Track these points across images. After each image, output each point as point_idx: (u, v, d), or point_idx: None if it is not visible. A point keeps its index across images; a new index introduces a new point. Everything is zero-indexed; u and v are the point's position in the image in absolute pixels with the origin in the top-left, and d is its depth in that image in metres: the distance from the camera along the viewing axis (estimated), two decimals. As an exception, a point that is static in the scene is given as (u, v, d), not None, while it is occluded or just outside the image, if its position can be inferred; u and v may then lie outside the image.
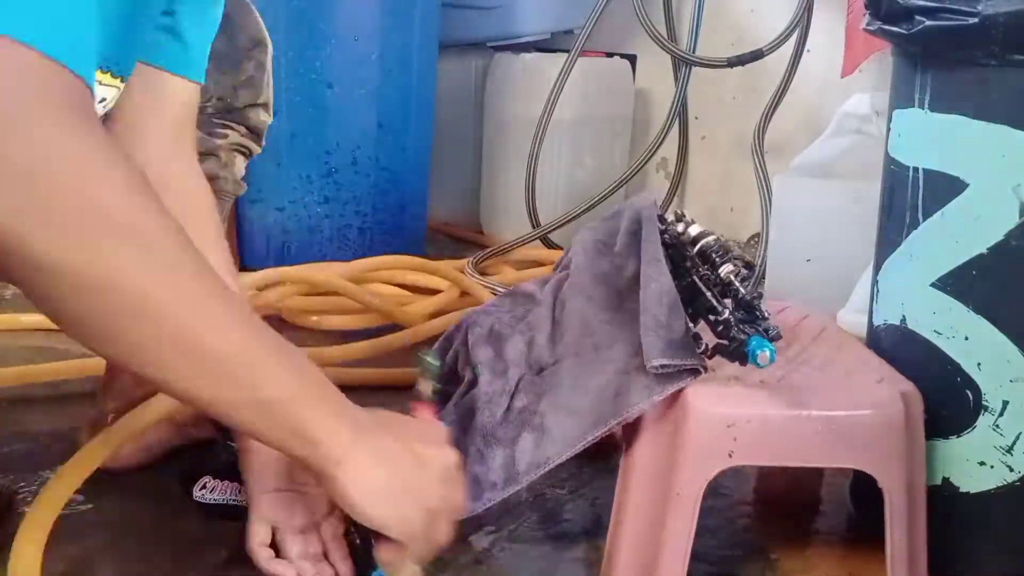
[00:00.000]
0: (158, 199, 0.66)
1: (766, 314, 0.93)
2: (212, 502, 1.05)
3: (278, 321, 1.78)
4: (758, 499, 1.26)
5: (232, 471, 1.02)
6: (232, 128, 1.21)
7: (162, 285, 0.65)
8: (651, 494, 0.99)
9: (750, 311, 0.94)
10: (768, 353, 0.90)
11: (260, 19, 1.22)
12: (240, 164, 1.27)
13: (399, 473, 0.78)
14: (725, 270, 0.95)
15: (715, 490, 1.24)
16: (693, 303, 1.00)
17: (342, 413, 0.76)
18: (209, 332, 0.67)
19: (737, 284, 0.94)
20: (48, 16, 0.59)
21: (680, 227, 1.03)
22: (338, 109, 2.04)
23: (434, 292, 1.92)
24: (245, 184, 1.29)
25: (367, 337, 1.69)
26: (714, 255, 0.97)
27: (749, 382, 1.01)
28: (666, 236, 1.04)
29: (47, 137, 0.58)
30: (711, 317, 0.97)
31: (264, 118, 1.26)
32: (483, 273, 2.11)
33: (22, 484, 1.18)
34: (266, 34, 1.23)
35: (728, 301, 0.95)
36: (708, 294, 0.97)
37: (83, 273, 0.61)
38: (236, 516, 1.03)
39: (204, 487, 1.06)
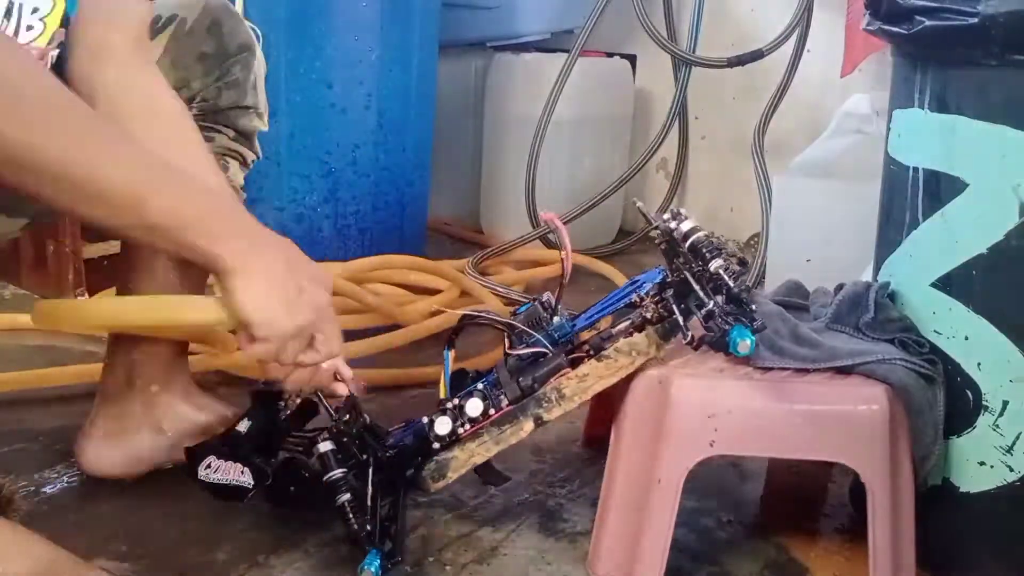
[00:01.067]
0: (52, 76, 0.83)
1: (754, 307, 0.95)
2: (216, 482, 1.06)
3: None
4: (763, 499, 1.26)
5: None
6: (218, 131, 1.22)
7: (56, 135, 0.79)
8: (635, 481, 1.02)
9: (738, 304, 0.95)
10: (748, 342, 0.92)
11: (249, 28, 1.23)
12: (236, 170, 1.26)
13: (279, 291, 0.92)
14: (715, 265, 0.96)
15: (715, 490, 1.25)
16: (685, 297, 1.01)
17: (236, 234, 0.90)
18: (94, 170, 0.81)
19: (726, 278, 0.95)
20: None
21: (673, 223, 1.04)
22: (338, 109, 2.04)
23: (434, 292, 1.92)
24: (243, 192, 1.29)
25: (368, 336, 1.69)
26: (704, 251, 0.98)
27: (734, 374, 1.03)
28: (658, 232, 1.05)
29: None
30: (700, 310, 0.98)
31: (256, 123, 1.25)
32: (483, 273, 2.11)
33: (22, 484, 1.18)
34: (256, 42, 1.23)
35: (719, 296, 0.96)
36: (698, 288, 0.98)
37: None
38: (239, 496, 1.04)
39: (208, 467, 1.07)
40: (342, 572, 1.05)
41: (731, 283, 0.95)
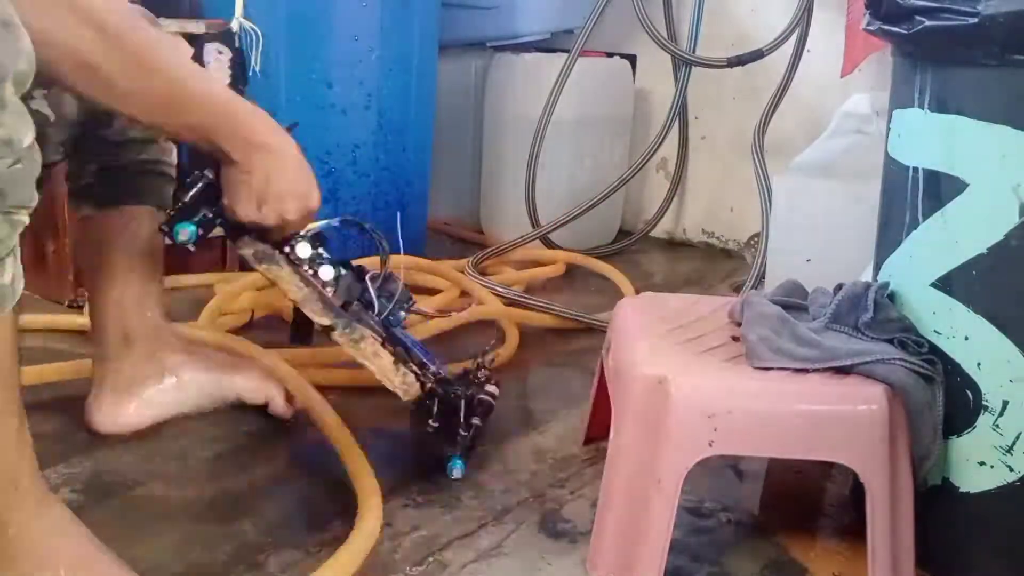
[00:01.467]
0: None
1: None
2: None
3: (278, 321, 1.78)
4: (762, 499, 1.26)
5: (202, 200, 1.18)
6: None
7: (109, 52, 0.93)
8: (634, 481, 1.02)
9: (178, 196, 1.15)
10: (189, 232, 1.15)
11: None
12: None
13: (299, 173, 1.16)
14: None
15: (715, 490, 1.25)
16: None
17: (256, 131, 1.11)
18: (151, 75, 0.99)
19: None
20: None
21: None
22: (338, 109, 2.04)
23: (434, 292, 1.92)
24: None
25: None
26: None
27: (734, 375, 1.04)
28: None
29: None
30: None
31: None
32: (483, 273, 2.11)
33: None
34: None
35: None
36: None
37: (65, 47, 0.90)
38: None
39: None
40: (342, 572, 1.05)
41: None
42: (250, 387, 1.38)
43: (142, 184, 1.31)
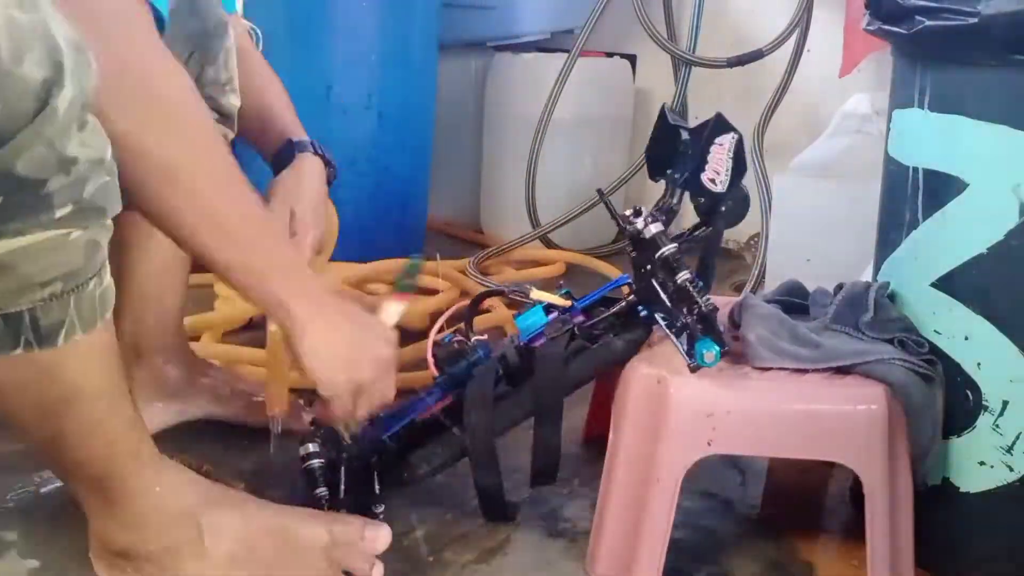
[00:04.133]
0: (200, 99, 0.92)
1: (721, 328, 1.00)
2: None
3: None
4: (763, 498, 1.26)
5: None
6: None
7: (195, 162, 0.89)
8: (633, 479, 1.02)
9: (707, 323, 0.99)
10: (714, 353, 0.97)
11: (220, 3, 1.25)
12: None
13: (342, 347, 0.99)
14: (681, 277, 1.02)
15: (715, 490, 1.25)
16: (650, 306, 1.08)
17: (307, 291, 0.97)
18: (225, 206, 0.91)
19: (695, 295, 1.01)
20: None
21: (639, 223, 1.08)
22: (338, 109, 2.04)
23: (434, 292, 1.92)
24: None
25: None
26: (673, 263, 1.04)
27: (733, 374, 1.04)
28: (627, 231, 1.10)
29: (141, 43, 0.86)
30: (664, 320, 1.05)
31: (234, 101, 1.27)
32: (483, 273, 2.11)
33: (20, 484, 1.18)
34: (226, 16, 1.25)
35: (683, 307, 1.02)
36: (665, 300, 1.04)
37: (148, 151, 0.86)
38: None
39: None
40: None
41: (703, 305, 1.00)
42: (256, 418, 1.30)
43: None
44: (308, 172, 1.26)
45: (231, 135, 1.30)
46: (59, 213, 0.75)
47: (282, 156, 1.28)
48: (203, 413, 1.34)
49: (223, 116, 1.26)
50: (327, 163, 1.30)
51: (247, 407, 1.35)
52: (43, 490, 1.19)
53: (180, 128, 0.88)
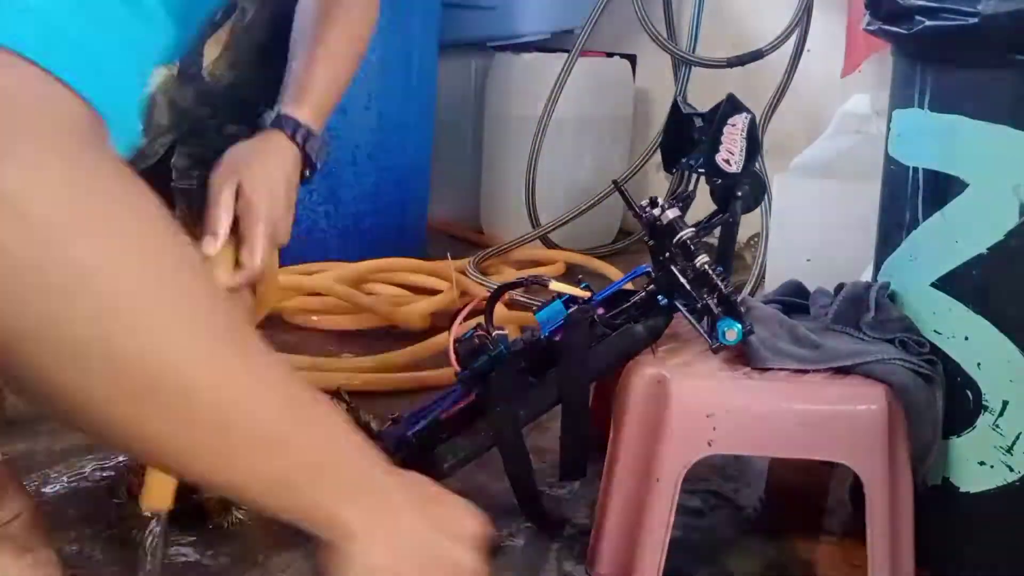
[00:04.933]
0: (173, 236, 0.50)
1: (743, 309, 1.01)
2: None
3: (279, 320, 1.78)
4: (763, 499, 1.26)
5: None
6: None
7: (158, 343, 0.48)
8: (634, 480, 1.03)
9: (729, 306, 1.01)
10: (736, 331, 0.99)
11: None
12: None
13: (410, 563, 0.65)
14: (700, 260, 1.03)
15: (716, 489, 1.25)
16: (671, 293, 1.07)
17: (367, 488, 0.61)
18: (235, 403, 0.51)
19: (716, 278, 1.02)
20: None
21: (656, 211, 1.08)
22: (338, 109, 2.03)
23: (434, 292, 1.92)
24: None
25: (367, 336, 1.70)
26: (691, 247, 1.05)
27: (733, 374, 1.04)
28: (644, 219, 1.11)
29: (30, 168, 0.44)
30: (685, 306, 1.05)
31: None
32: (483, 273, 2.11)
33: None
34: None
35: (703, 291, 1.03)
36: (686, 285, 1.04)
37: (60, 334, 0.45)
38: None
39: None
40: (342, 572, 1.05)
41: (722, 285, 1.01)
42: None
43: None
44: (274, 150, 1.07)
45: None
46: None
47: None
48: None
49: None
50: (307, 158, 1.13)
51: None
52: (44, 489, 1.19)
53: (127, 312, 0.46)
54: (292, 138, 1.10)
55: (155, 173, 1.22)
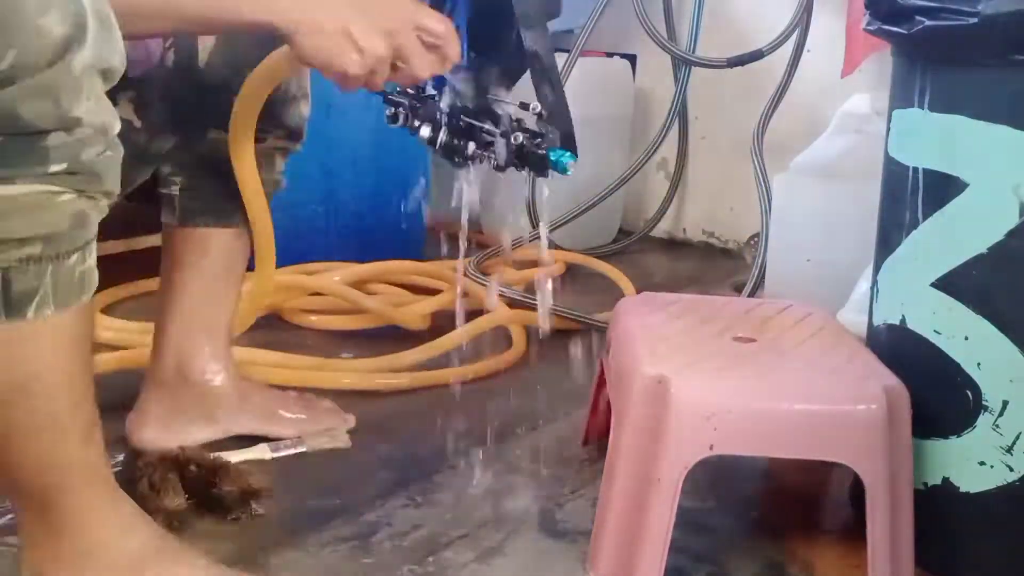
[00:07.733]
0: None
1: (550, 132, 1.01)
2: None
3: (278, 321, 1.78)
4: (762, 499, 1.26)
5: None
6: (269, 132, 1.24)
7: None
8: (634, 481, 1.02)
9: (534, 134, 1.01)
10: (573, 161, 1.00)
11: None
12: (279, 162, 1.30)
13: (341, 35, 0.93)
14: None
15: (715, 490, 1.25)
16: (470, 138, 1.11)
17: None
18: None
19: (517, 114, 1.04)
20: None
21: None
22: (338, 109, 2.04)
23: (434, 292, 1.92)
24: (285, 180, 1.32)
25: (367, 336, 1.71)
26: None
27: (734, 375, 1.04)
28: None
29: None
30: (489, 139, 1.07)
31: (305, 112, 1.27)
32: (484, 273, 2.11)
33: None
34: None
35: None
36: (484, 124, 1.06)
37: None
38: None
39: None
40: (342, 572, 1.05)
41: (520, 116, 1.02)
42: (290, 440, 1.31)
43: (228, 204, 1.25)
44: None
45: (296, 148, 1.30)
46: (53, 168, 0.74)
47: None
48: (247, 430, 1.31)
49: (290, 132, 1.27)
50: None
51: (292, 426, 1.33)
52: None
53: None
54: None
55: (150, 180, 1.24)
